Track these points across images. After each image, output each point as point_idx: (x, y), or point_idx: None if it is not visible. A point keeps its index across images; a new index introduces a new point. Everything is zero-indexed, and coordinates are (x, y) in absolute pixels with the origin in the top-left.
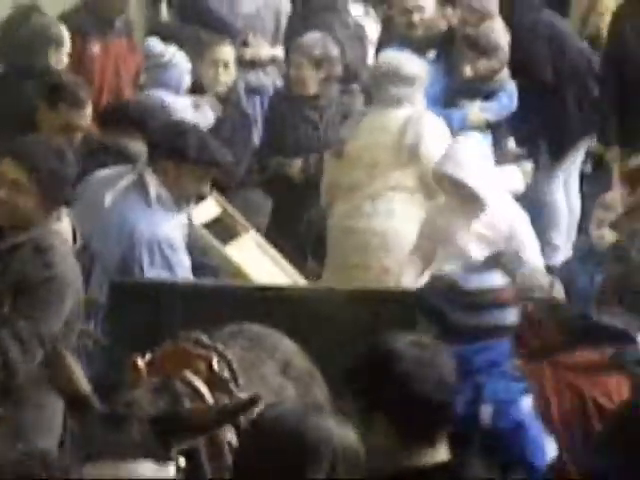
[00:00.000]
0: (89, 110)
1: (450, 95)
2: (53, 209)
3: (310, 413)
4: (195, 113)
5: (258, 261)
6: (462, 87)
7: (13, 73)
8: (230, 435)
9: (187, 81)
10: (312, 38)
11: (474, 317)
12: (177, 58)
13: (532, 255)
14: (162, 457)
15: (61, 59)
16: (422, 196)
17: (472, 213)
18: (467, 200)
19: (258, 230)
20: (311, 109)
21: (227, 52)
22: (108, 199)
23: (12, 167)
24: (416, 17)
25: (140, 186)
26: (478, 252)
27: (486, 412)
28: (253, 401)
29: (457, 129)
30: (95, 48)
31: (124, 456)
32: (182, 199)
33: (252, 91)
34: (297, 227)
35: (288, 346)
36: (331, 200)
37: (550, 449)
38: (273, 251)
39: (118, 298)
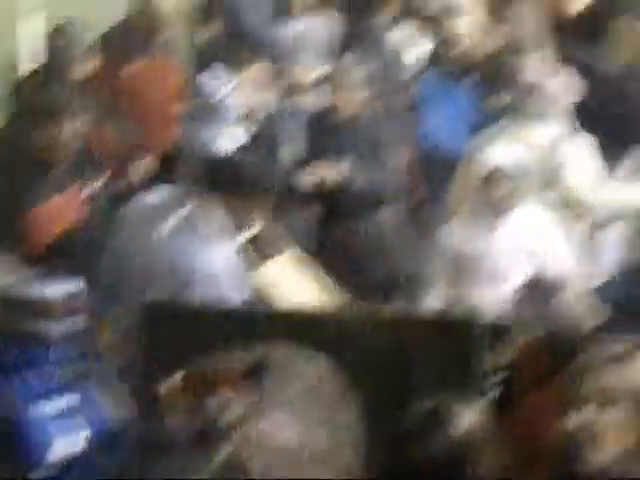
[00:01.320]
0: None
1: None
2: None
3: None
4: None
5: (295, 279)
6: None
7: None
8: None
9: (234, 116)
10: (356, 58)
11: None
12: (228, 98)
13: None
14: None
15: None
16: None
17: None
18: None
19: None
20: (352, 130)
21: (264, 71)
22: (166, 229)
23: None
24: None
25: (198, 217)
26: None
27: None
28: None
29: None
30: (135, 68)
31: None
32: (235, 227)
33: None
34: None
35: (317, 368)
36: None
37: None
38: (314, 268)
39: (150, 318)
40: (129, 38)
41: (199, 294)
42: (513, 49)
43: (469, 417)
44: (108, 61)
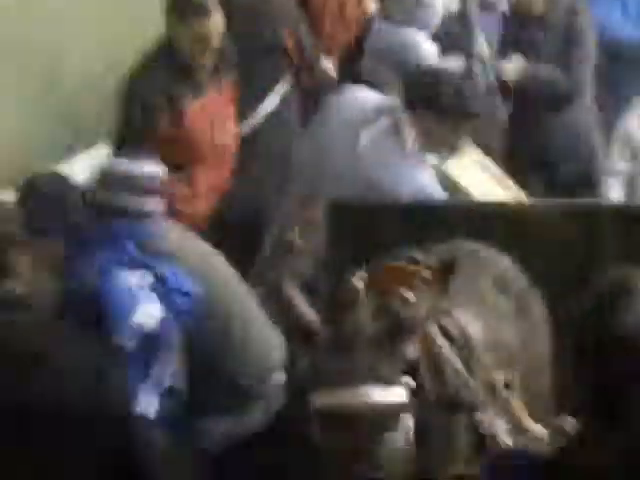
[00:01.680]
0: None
1: None
2: None
3: None
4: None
5: (478, 178)
6: None
7: None
8: (442, 341)
9: (436, 22)
10: None
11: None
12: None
13: None
14: (391, 380)
15: None
16: None
17: None
18: None
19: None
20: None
21: None
22: (363, 140)
23: None
24: None
25: (396, 132)
26: None
27: None
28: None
29: None
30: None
31: (355, 382)
32: (437, 148)
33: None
34: None
35: (504, 262)
36: None
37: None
38: (495, 169)
39: (337, 219)
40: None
41: None
42: None
43: None
44: None
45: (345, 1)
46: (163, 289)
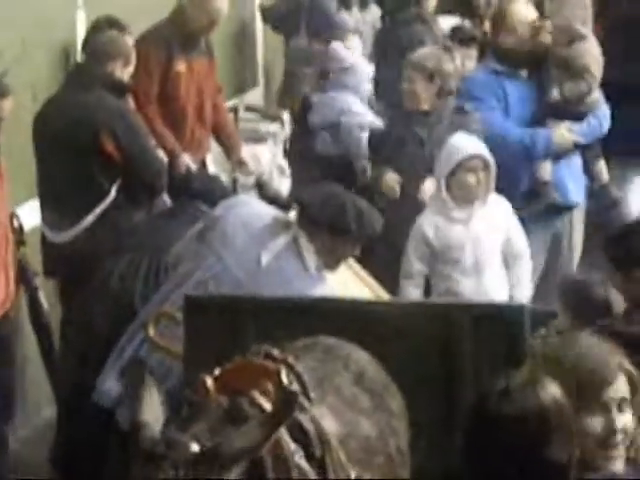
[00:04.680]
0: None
1: (539, 115)
2: None
3: None
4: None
5: (344, 277)
6: (551, 108)
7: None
8: (294, 447)
9: (366, 87)
10: (425, 52)
11: None
12: (359, 64)
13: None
14: None
15: (122, 73)
16: None
17: None
18: None
19: None
20: (421, 126)
21: None
22: (265, 259)
23: None
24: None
25: (295, 250)
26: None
27: None
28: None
29: (542, 149)
30: (180, 66)
31: None
32: (333, 264)
33: None
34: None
35: (362, 357)
36: None
37: None
38: (359, 270)
39: (194, 313)
40: (175, 37)
41: None
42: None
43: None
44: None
45: (203, 97)
46: None
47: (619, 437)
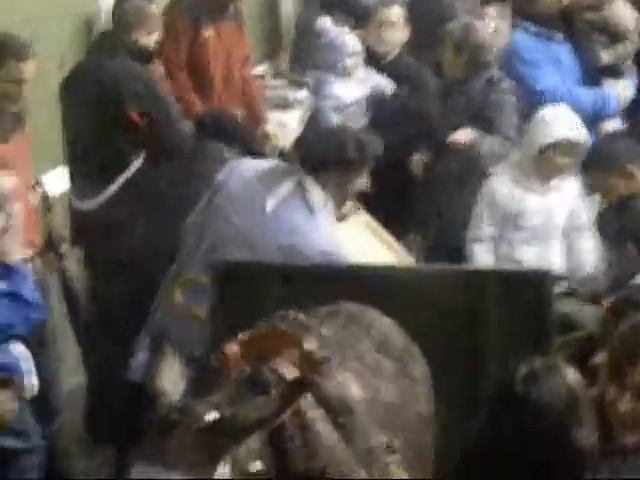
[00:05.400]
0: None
1: (586, 77)
2: None
3: None
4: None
5: (366, 242)
6: (604, 69)
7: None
8: (317, 414)
9: (350, 64)
10: (454, 24)
11: None
12: (346, 39)
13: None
14: (203, 467)
15: (146, 40)
16: None
17: None
18: None
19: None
20: (450, 95)
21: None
22: (270, 205)
23: None
24: None
25: (301, 194)
26: None
27: None
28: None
29: (613, 108)
30: (209, 32)
31: (166, 463)
32: (342, 201)
33: None
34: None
35: (385, 323)
36: None
37: None
38: (383, 232)
39: (220, 279)
40: (203, 4)
41: None
42: None
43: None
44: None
45: (231, 64)
46: None
47: None
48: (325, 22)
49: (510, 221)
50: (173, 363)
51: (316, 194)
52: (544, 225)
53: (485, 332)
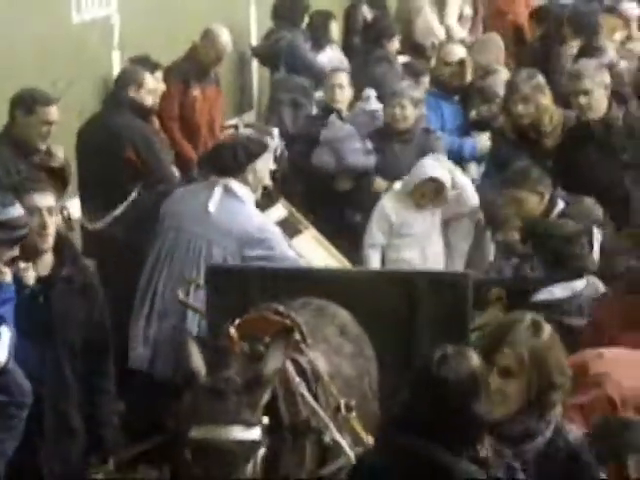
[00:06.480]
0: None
1: (466, 128)
2: None
3: None
4: None
5: (316, 251)
6: (474, 123)
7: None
8: (298, 380)
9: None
10: (408, 84)
11: None
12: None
13: None
14: (251, 422)
15: (142, 96)
16: None
17: None
18: None
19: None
20: (403, 142)
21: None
22: (212, 207)
23: None
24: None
25: (231, 192)
26: None
27: None
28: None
29: (469, 153)
30: (196, 92)
31: (222, 422)
32: (261, 184)
33: None
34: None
35: (344, 314)
36: None
37: None
38: (327, 244)
39: (213, 280)
40: (191, 68)
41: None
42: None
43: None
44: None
45: (214, 116)
46: None
47: None
48: None
49: (395, 230)
50: (194, 345)
51: (242, 189)
52: (422, 232)
53: (415, 325)
